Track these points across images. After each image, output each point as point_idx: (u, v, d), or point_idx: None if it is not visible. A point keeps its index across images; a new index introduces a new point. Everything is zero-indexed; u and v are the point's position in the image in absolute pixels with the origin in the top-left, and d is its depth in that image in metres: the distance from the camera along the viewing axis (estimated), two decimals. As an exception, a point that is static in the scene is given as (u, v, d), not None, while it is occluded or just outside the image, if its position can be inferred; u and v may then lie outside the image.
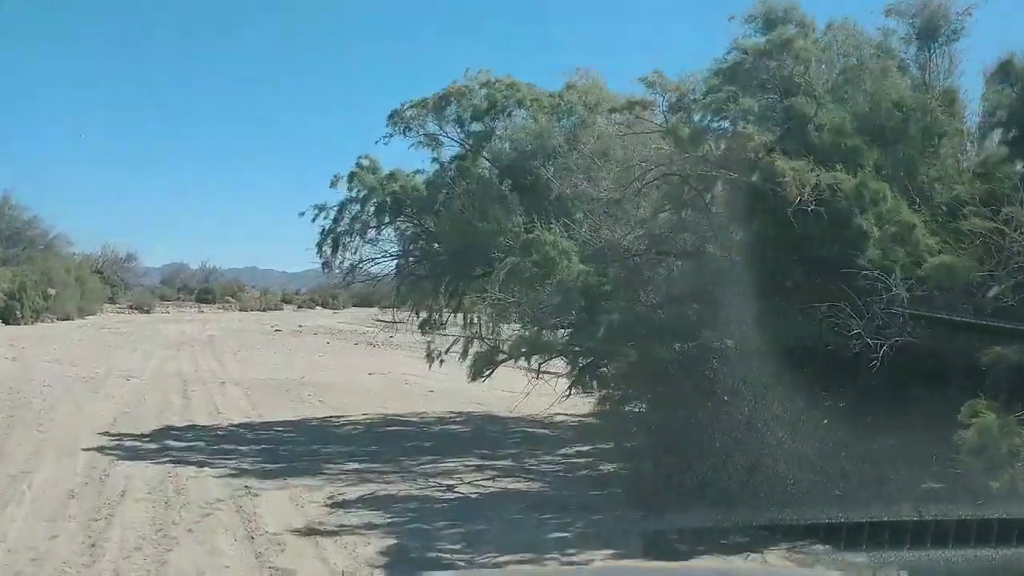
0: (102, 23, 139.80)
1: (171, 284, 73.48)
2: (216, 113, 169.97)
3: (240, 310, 64.15)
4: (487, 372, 10.66)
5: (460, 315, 14.46)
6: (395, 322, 16.29)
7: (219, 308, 64.98)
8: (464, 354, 10.57)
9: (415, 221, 13.61)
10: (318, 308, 72.02)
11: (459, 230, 12.64)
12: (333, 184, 13.67)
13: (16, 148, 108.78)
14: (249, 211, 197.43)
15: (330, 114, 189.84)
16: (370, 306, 75.11)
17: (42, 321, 40.75)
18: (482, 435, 13.09)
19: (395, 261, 14.13)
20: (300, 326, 41.62)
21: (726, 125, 9.48)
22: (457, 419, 14.66)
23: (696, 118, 9.78)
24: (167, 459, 10.49)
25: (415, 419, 14.45)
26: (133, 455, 10.74)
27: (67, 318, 42.78)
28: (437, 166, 13.47)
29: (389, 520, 8.04)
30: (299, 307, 73.01)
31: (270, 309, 67.46)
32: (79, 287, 46.65)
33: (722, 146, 9.21)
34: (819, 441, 8.52)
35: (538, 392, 13.65)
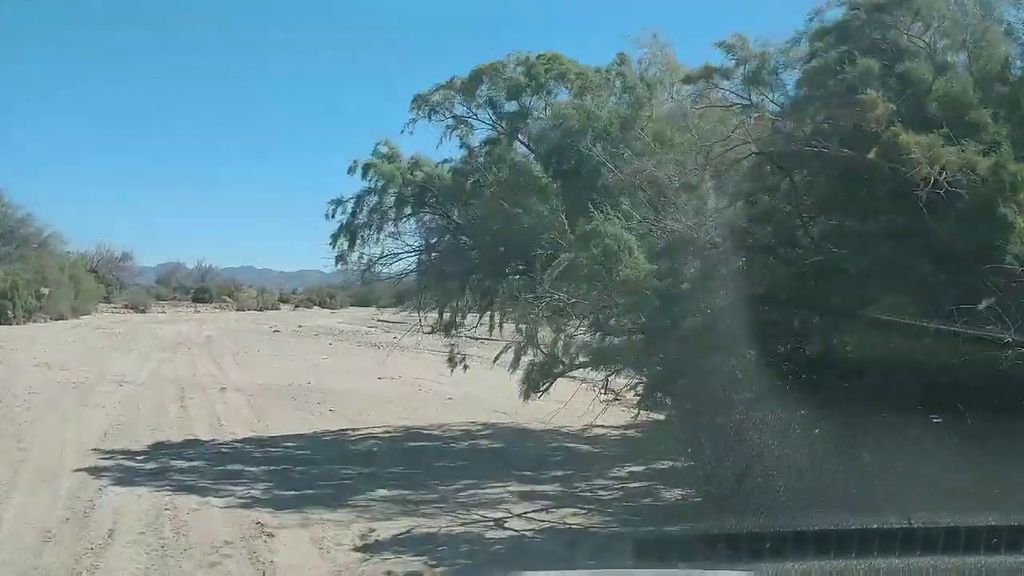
0: (100, 23, 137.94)
1: (167, 283, 71.95)
2: (215, 113, 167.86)
3: (237, 310, 62.57)
4: (544, 386, 9.07)
5: (489, 317, 12.84)
6: (414, 323, 14.73)
7: (215, 308, 63.40)
8: (515, 363, 9.01)
9: (440, 213, 12.02)
10: (315, 308, 70.49)
11: (493, 222, 11.07)
12: (351, 171, 12.10)
13: (12, 146, 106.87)
14: (246, 211, 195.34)
15: (331, 114, 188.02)
16: (367, 306, 74.01)
17: (34, 321, 39.10)
18: (518, 452, 11.50)
19: (416, 257, 12.52)
20: (300, 326, 40.02)
21: (815, 95, 7.96)
22: (484, 432, 13.07)
23: (786, 86, 8.28)
24: (164, 485, 8.89)
25: (438, 432, 12.86)
26: (125, 479, 9.13)
27: (61, 318, 41.18)
28: (465, 152, 11.88)
29: (436, 569, 6.47)
30: (296, 307, 71.48)
31: (267, 309, 65.87)
32: (73, 286, 45.02)
33: (820, 118, 7.64)
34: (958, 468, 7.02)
35: (559, 399, 12.20)
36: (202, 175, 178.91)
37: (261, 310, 64.04)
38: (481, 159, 11.64)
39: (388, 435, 12.46)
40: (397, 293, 13.29)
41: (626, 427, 13.36)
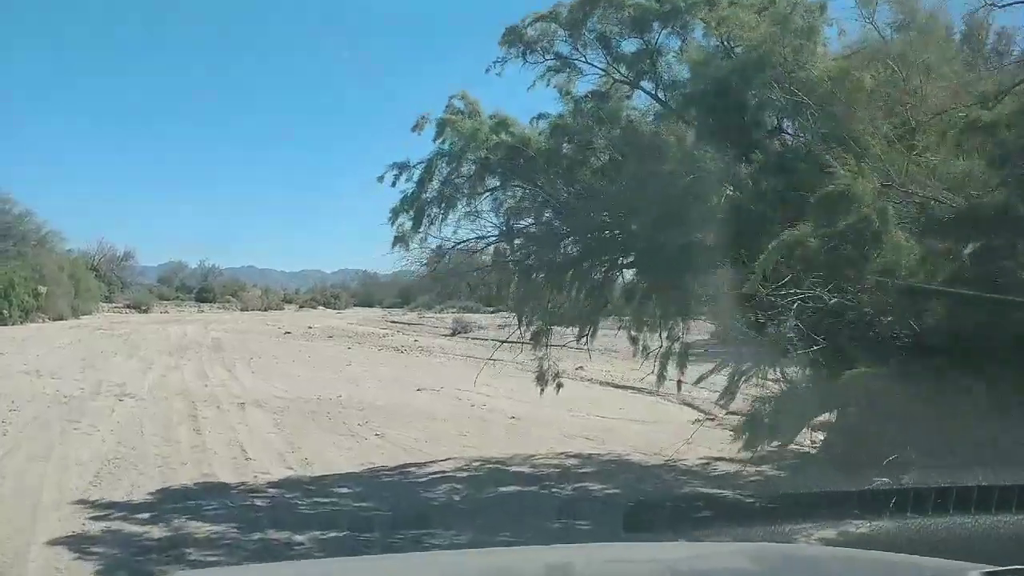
0: (99, 20, 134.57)
1: (169, 283, 68.82)
2: (217, 111, 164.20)
3: (241, 310, 59.41)
4: (783, 435, 5.99)
5: (589, 320, 9.72)
6: (430, 325, 11.71)
7: (219, 307, 60.29)
8: (729, 393, 5.96)
9: (534, 186, 8.92)
10: (320, 308, 67.46)
11: (609, 194, 8.04)
12: (417, 128, 9.04)
13: (13, 144, 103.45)
14: (247, 210, 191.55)
15: (334, 113, 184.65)
16: (370, 306, 71.33)
17: (32, 321, 36.05)
18: (647, 502, 8.34)
19: (494, 243, 9.47)
20: (310, 328, 36.83)
21: None
22: (583, 468, 9.91)
23: None
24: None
25: (525, 468, 9.73)
26: (121, 560, 6.04)
27: (60, 318, 38.17)
28: (569, 105, 8.80)
29: None
30: (300, 307, 68.37)
31: (271, 309, 62.69)
32: (73, 285, 41.90)
33: None
34: None
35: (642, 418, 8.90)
36: (203, 174, 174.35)
37: (265, 310, 60.90)
38: (590, 112, 8.55)
39: (464, 474, 9.35)
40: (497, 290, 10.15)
41: (754, 461, 10.30)
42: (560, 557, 3.14)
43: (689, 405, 15.01)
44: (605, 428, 12.43)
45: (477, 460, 10.00)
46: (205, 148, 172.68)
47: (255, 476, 8.83)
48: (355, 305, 72.00)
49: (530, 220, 9.22)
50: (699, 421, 13.53)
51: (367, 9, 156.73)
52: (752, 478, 9.42)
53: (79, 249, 52.28)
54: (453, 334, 31.78)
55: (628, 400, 15.82)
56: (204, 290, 66.31)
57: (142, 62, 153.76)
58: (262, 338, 30.55)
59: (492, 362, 21.69)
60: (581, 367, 20.57)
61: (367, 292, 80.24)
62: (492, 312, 51.61)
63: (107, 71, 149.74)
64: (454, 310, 53.90)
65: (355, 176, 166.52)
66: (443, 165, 9.03)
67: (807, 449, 11.06)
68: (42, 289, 37.64)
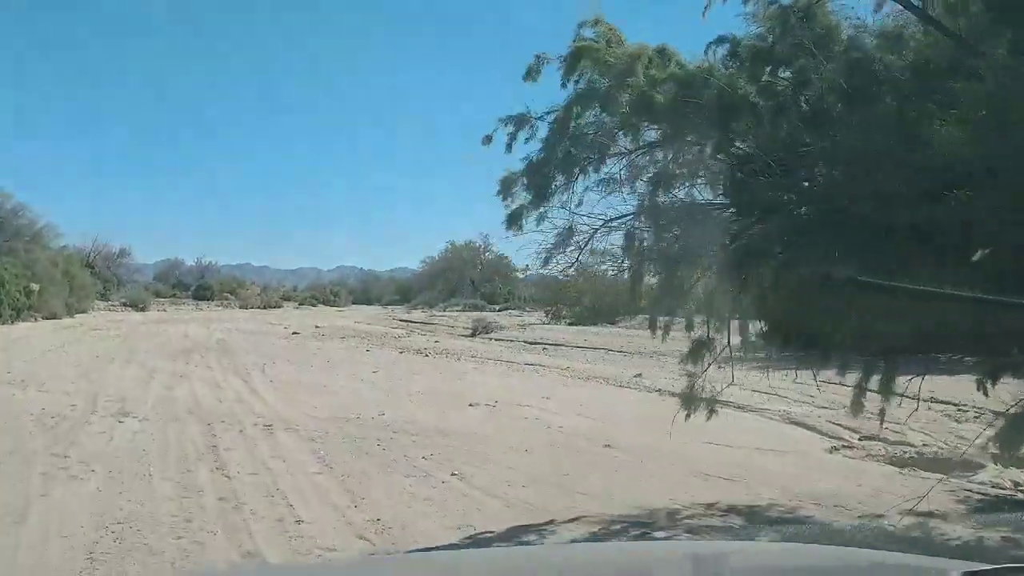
0: (98, 18, 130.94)
1: (166, 280, 65.71)
2: (216, 107, 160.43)
3: (240, 307, 56.34)
4: None
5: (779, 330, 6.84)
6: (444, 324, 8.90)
7: (218, 305, 57.21)
8: None
9: (725, 137, 6.01)
10: (320, 306, 64.44)
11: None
12: (531, 75, 6.18)
13: (12, 141, 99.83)
14: (243, 207, 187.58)
15: (332, 111, 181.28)
16: (369, 304, 68.26)
17: (24, 320, 33.00)
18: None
19: (628, 223, 6.61)
20: (318, 327, 33.83)
21: None
22: (760, 534, 6.93)
23: None
24: None
25: (682, 534, 6.86)
26: None
27: (53, 316, 35.12)
28: (773, 23, 5.90)
29: None
30: (300, 304, 65.32)
31: (270, 307, 59.60)
32: (67, 282, 38.78)
33: None
34: None
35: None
36: (200, 170, 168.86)
37: (265, 308, 57.80)
38: (817, 31, 5.67)
39: (602, 539, 6.48)
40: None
41: (980, 522, 7.45)
42: (558, 556, 3.00)
43: (800, 424, 12.24)
44: (733, 462, 9.60)
45: (606, 518, 7.13)
46: (202, 145, 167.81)
47: (318, 555, 5.93)
48: (353, 303, 69.13)
49: (704, 187, 6.34)
50: (836, 450, 10.81)
51: (368, 4, 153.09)
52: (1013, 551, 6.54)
53: (74, 245, 49.20)
54: (474, 334, 28.87)
55: (724, 419, 12.95)
56: (202, 287, 63.16)
57: (138, 60, 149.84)
58: (270, 339, 27.56)
59: (533, 367, 18.84)
60: (639, 375, 17.78)
61: (365, 289, 77.39)
62: (499, 310, 48.83)
63: (105, 68, 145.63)
64: (458, 308, 51.09)
65: (351, 172, 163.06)
66: (580, 113, 6.15)
67: (1009, 493, 8.33)
68: (35, 287, 34.58)
